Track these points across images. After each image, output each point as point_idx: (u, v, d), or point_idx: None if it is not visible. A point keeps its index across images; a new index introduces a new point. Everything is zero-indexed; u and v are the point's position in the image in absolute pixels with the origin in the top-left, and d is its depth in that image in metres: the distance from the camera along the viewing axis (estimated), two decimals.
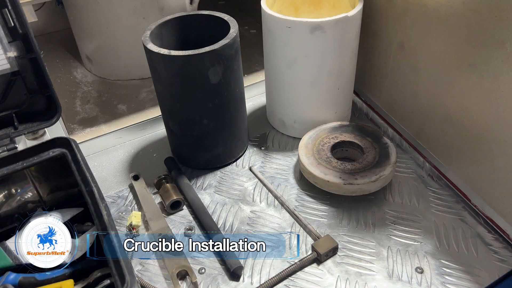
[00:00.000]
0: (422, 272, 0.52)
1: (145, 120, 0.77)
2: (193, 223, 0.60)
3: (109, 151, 0.73)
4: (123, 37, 0.83)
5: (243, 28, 1.03)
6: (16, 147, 0.51)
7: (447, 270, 0.52)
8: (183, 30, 0.66)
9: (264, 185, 0.65)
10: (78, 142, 0.72)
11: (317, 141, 0.67)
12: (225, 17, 0.63)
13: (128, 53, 0.86)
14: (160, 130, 0.76)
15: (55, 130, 0.62)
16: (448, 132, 0.61)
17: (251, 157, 0.71)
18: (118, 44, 0.84)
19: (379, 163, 0.61)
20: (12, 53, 0.52)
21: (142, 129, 0.77)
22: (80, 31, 0.87)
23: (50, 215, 0.53)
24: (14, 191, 0.55)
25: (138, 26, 0.82)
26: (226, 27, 0.61)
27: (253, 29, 1.05)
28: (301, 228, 0.58)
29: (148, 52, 0.58)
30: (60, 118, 0.56)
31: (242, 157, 0.71)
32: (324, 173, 0.61)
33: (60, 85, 0.87)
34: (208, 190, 0.65)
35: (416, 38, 0.62)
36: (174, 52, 0.56)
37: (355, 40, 0.65)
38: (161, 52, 0.57)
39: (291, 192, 0.64)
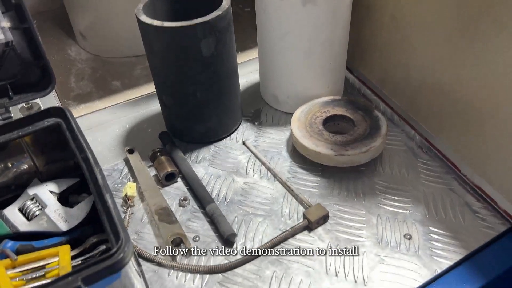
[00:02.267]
0: (410, 238, 0.53)
1: (139, 96, 0.77)
2: (188, 194, 0.61)
3: (104, 126, 0.74)
4: (116, 12, 0.83)
5: (237, 6, 1.03)
6: (11, 117, 0.51)
7: (435, 236, 0.53)
8: (177, 2, 0.66)
9: (258, 158, 0.66)
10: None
11: (310, 115, 0.68)
12: None
13: (122, 29, 0.86)
14: (154, 107, 0.77)
15: (50, 103, 0.62)
16: (439, 102, 0.62)
17: (244, 131, 0.72)
18: (111, 20, 0.84)
19: (370, 135, 0.62)
20: (6, 24, 0.52)
21: (137, 105, 0.77)
22: (73, 7, 0.87)
23: (46, 185, 0.54)
24: (10, 164, 0.56)
25: (131, 1, 0.82)
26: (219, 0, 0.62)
27: (247, 7, 1.05)
28: (293, 198, 0.59)
29: (141, 24, 0.59)
30: (54, 91, 0.57)
31: (235, 132, 0.72)
32: (315, 145, 0.62)
33: (55, 63, 0.87)
34: (202, 163, 0.66)
35: (407, 8, 0.63)
36: (166, 24, 0.57)
37: (347, 11, 0.66)
38: (154, 24, 0.57)
39: (284, 164, 0.65)
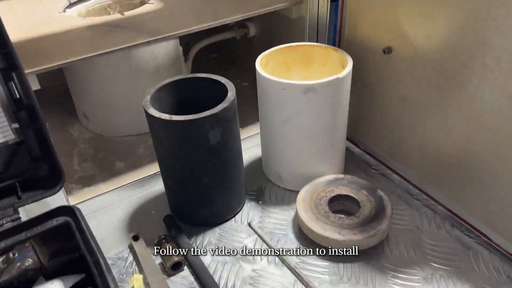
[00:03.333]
0: None
1: (143, 178, 0.78)
2: (195, 284, 0.60)
3: (108, 209, 0.73)
4: (120, 95, 0.85)
5: (235, 81, 1.07)
6: (19, 218, 0.51)
7: None
8: (181, 92, 0.69)
9: (264, 241, 0.66)
10: (76, 202, 0.73)
11: (314, 195, 0.68)
12: (222, 80, 0.66)
13: (125, 110, 0.88)
14: (158, 186, 0.77)
15: (57, 198, 0.62)
16: (459, 172, 0.64)
17: (249, 211, 0.72)
18: (115, 102, 0.86)
19: (376, 216, 0.63)
20: (17, 124, 0.53)
21: (141, 186, 0.77)
22: (77, 89, 0.89)
23: (52, 283, 0.53)
24: (12, 255, 0.55)
25: (135, 84, 0.85)
26: (222, 88, 0.64)
27: (245, 82, 1.09)
28: (304, 286, 0.59)
29: (149, 117, 0.60)
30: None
31: (240, 212, 0.72)
32: (323, 228, 0.62)
33: (57, 143, 0.88)
34: (209, 248, 0.65)
35: (418, 90, 0.66)
36: (175, 117, 0.59)
37: (346, 98, 0.69)
38: (163, 117, 0.59)
39: (291, 247, 0.64)
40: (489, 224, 0.62)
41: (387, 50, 0.67)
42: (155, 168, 0.81)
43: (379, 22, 0.68)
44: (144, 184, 0.78)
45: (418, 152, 0.71)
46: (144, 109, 0.61)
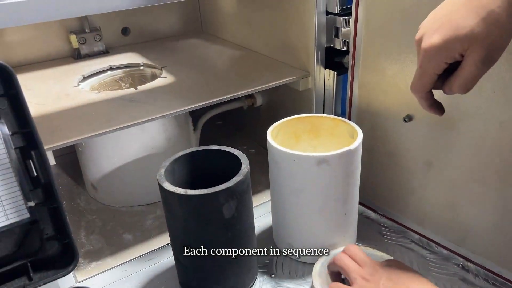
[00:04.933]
0: None
1: (152, 250, 0.76)
2: None
3: (116, 285, 0.71)
4: (130, 165, 0.86)
5: (242, 148, 1.08)
6: None
7: None
8: (195, 165, 0.69)
9: None
10: (85, 278, 0.70)
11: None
12: (235, 152, 0.67)
13: (135, 180, 0.88)
14: (167, 259, 0.75)
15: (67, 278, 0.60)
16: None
17: (262, 286, 0.69)
18: (124, 172, 0.87)
19: None
20: (33, 203, 0.53)
21: (149, 259, 0.75)
22: (86, 160, 0.90)
23: None
24: None
25: (145, 154, 0.86)
26: (235, 160, 0.65)
27: (251, 148, 1.10)
28: None
29: (164, 191, 0.60)
30: None
31: (253, 287, 0.69)
32: None
33: None
34: None
35: (445, 153, 0.66)
36: (190, 191, 0.58)
37: (357, 168, 0.69)
38: (178, 192, 0.58)
39: None
40: None
41: (408, 118, 0.69)
42: (164, 239, 0.79)
43: (396, 92, 0.70)
44: (153, 257, 0.76)
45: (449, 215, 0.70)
46: (159, 183, 0.61)
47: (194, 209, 0.60)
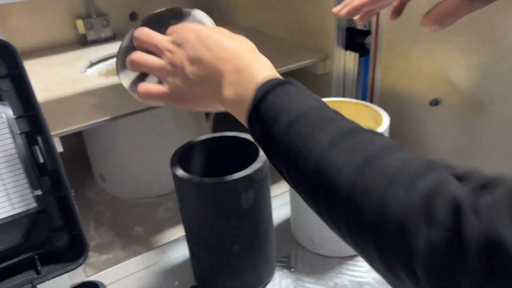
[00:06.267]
0: None
1: (164, 244, 0.72)
2: None
3: (129, 279, 0.67)
4: (140, 155, 0.83)
5: None
6: None
7: None
8: (209, 152, 0.65)
9: None
10: (95, 272, 0.67)
11: None
12: (252, 138, 0.63)
13: (145, 170, 0.85)
14: (181, 253, 0.72)
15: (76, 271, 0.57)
16: None
17: (281, 281, 0.66)
18: (135, 162, 0.83)
19: None
20: (40, 191, 0.49)
21: (162, 253, 0.72)
22: (95, 150, 0.86)
23: None
24: None
25: (156, 143, 0.82)
26: (252, 147, 0.61)
27: None
28: None
29: (177, 179, 0.57)
30: None
31: (271, 282, 0.66)
32: None
33: None
34: None
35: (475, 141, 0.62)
36: (206, 179, 0.55)
37: None
38: (193, 180, 0.55)
39: None
40: None
41: (434, 102, 0.64)
42: (176, 232, 0.76)
43: (421, 74, 0.65)
44: (166, 250, 0.72)
45: None
46: (172, 171, 0.57)
47: (210, 198, 0.56)
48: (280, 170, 0.38)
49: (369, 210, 0.28)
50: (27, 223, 0.49)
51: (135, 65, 0.45)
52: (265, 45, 0.90)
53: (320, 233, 0.69)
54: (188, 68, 0.41)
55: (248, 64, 0.39)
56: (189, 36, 0.42)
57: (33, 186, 0.49)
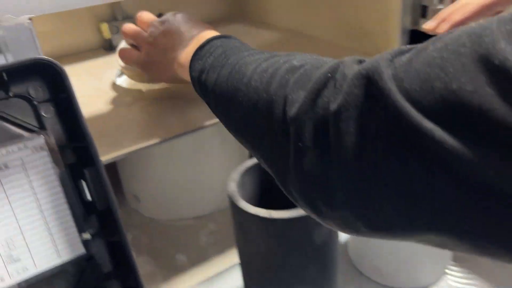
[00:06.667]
0: None
1: (212, 276, 0.65)
2: None
3: None
4: (179, 174, 0.75)
5: None
6: None
7: None
8: (264, 176, 0.58)
9: None
10: None
11: None
12: None
13: (184, 191, 0.77)
14: (231, 285, 0.64)
15: None
16: None
17: None
18: (173, 182, 0.76)
19: None
20: (88, 235, 0.42)
21: (209, 285, 0.64)
22: (128, 168, 0.79)
23: None
24: None
25: (196, 162, 0.74)
26: None
27: None
28: None
29: (239, 212, 0.49)
30: None
31: None
32: None
33: None
34: None
35: None
36: (275, 214, 0.47)
37: None
38: (260, 215, 0.47)
39: None
40: None
41: None
42: (224, 260, 0.69)
43: None
44: (213, 283, 0.65)
45: None
46: (232, 202, 0.50)
47: (279, 235, 0.49)
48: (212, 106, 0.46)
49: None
50: (75, 272, 0.42)
51: (125, 34, 0.58)
52: (308, 48, 0.82)
53: (390, 262, 0.61)
54: (161, 39, 0.53)
55: (200, 35, 0.50)
56: (171, 18, 0.54)
57: (81, 228, 0.41)
